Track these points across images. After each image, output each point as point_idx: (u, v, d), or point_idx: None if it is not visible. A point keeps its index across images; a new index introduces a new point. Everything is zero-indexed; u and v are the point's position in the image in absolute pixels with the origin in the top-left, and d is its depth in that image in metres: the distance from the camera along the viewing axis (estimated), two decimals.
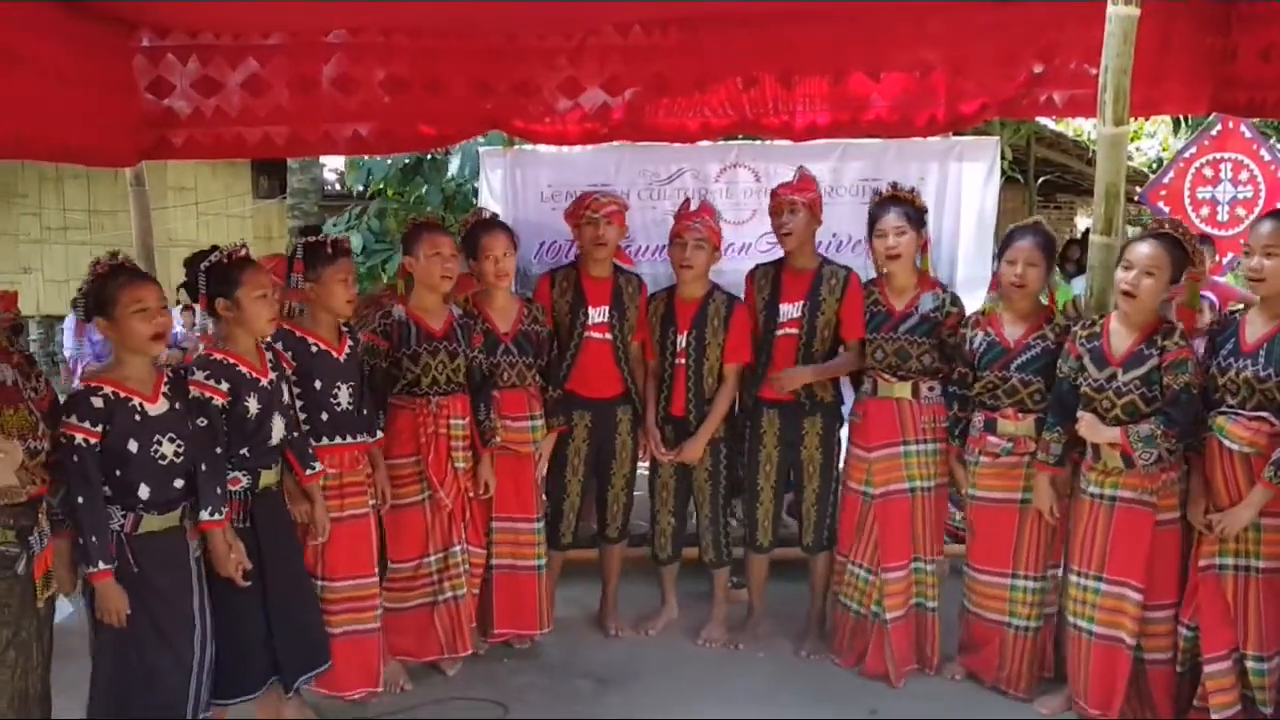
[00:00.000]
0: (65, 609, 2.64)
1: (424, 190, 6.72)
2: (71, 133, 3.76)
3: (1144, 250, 3.07)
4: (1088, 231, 14.72)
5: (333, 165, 9.71)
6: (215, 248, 2.96)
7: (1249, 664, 3.01)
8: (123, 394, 2.64)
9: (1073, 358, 3.25)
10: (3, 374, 2.42)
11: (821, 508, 3.86)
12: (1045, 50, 4.32)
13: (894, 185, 3.78)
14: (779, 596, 4.11)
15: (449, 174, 6.61)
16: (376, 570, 3.42)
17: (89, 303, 2.68)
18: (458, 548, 3.59)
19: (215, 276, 2.91)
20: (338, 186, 11.01)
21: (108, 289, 2.64)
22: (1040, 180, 11.62)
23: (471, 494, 3.65)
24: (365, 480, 3.38)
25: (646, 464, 4.12)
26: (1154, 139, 17.83)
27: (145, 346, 2.66)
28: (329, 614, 3.26)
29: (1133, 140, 16.14)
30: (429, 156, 6.65)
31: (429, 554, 3.58)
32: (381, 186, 7.29)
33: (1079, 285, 10.43)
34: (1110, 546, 3.19)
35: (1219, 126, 5.51)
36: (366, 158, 6.73)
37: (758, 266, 4.02)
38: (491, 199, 4.61)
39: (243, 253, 2.97)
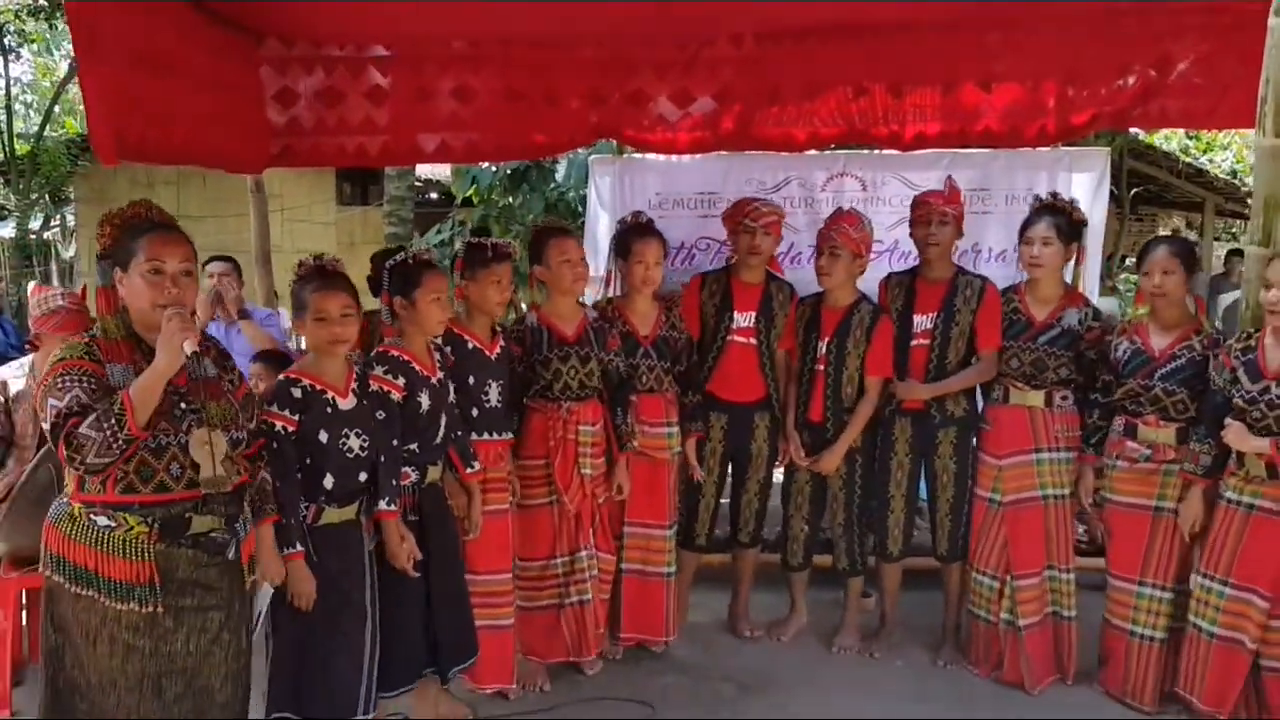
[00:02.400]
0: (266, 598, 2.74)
1: (525, 198, 6.81)
2: (207, 138, 3.90)
3: None
4: None
5: (420, 173, 9.89)
6: (401, 248, 3.12)
7: None
8: (318, 387, 2.78)
9: (1227, 370, 3.23)
10: (205, 368, 2.47)
11: (956, 517, 3.86)
12: (1159, 61, 4.29)
13: (1053, 195, 3.79)
14: (908, 605, 4.12)
15: (555, 182, 6.73)
16: (512, 566, 3.50)
17: (294, 303, 2.85)
18: (584, 552, 3.63)
19: (397, 276, 3.06)
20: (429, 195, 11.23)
21: (303, 293, 2.80)
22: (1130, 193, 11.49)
23: (602, 498, 3.69)
24: (505, 477, 3.48)
25: (782, 470, 4.15)
26: (1228, 151, 17.49)
27: (324, 348, 2.81)
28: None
29: (1205, 152, 15.82)
30: (537, 164, 6.74)
31: (556, 556, 3.64)
32: (471, 193, 7.41)
33: None
34: (1241, 552, 3.20)
35: None
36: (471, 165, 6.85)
37: (891, 275, 4.05)
38: (600, 206, 4.69)
39: (425, 256, 3.12)
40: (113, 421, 2.20)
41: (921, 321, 3.82)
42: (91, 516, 2.35)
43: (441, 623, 3.12)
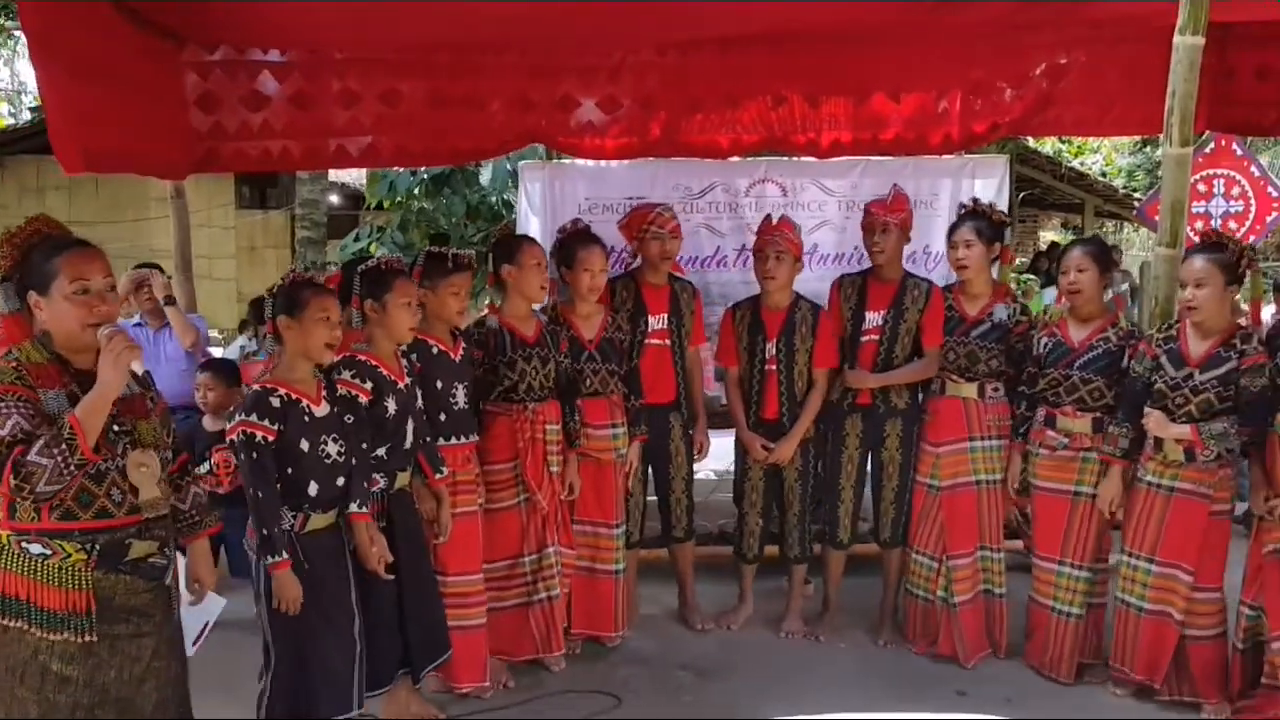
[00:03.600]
0: (215, 608, 2.72)
1: (445, 201, 6.79)
2: (134, 144, 3.85)
3: (1193, 265, 3.31)
4: (1053, 244, 15.10)
5: (331, 177, 9.76)
6: (369, 254, 3.13)
7: None
8: (294, 396, 2.78)
9: (1148, 358, 3.47)
10: (130, 387, 2.39)
11: (899, 504, 4.06)
12: (1052, 72, 4.62)
13: (975, 200, 4.04)
14: (846, 589, 4.29)
15: (478, 186, 6.74)
16: (482, 567, 3.54)
17: (278, 301, 2.78)
18: (551, 549, 3.69)
19: (369, 280, 3.08)
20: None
21: (302, 293, 2.78)
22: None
23: (564, 496, 3.77)
24: (474, 479, 3.51)
25: (700, 464, 4.26)
26: (1098, 154, 18.51)
27: (321, 353, 2.81)
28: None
29: (1076, 155, 16.72)
30: (460, 168, 6.74)
31: (524, 555, 3.69)
32: (383, 200, 7.36)
33: (1049, 295, 10.75)
34: (1165, 532, 3.43)
35: (1212, 144, 5.88)
36: (390, 170, 6.81)
37: (844, 276, 4.21)
38: (531, 211, 4.76)
39: (397, 263, 3.16)
40: (63, 447, 2.13)
41: (872, 319, 4.02)
42: (23, 545, 2.24)
43: (413, 624, 3.17)
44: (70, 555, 2.26)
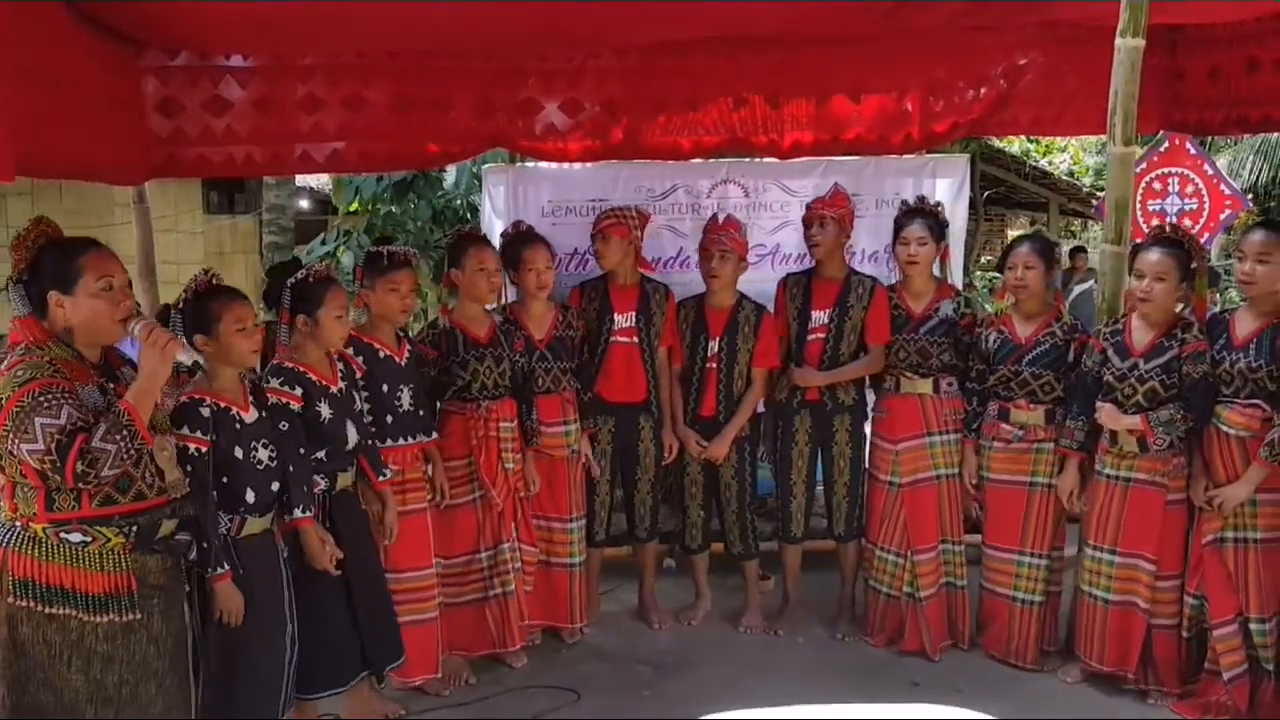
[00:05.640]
0: None
1: (411, 205, 6.80)
2: (84, 149, 3.81)
3: (1152, 258, 3.40)
4: None
5: (299, 182, 9.71)
6: (296, 262, 3.11)
7: (1251, 626, 3.36)
8: (223, 404, 2.78)
9: (1096, 351, 3.56)
10: (131, 376, 2.51)
11: (852, 499, 4.13)
12: (1010, 73, 4.67)
13: (921, 199, 4.12)
14: (804, 584, 4.36)
15: (442, 190, 6.74)
16: (434, 562, 3.59)
17: (186, 320, 2.76)
18: (506, 545, 3.76)
19: (299, 295, 3.08)
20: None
21: (211, 308, 2.75)
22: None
23: (523, 494, 3.82)
24: (423, 477, 3.57)
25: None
26: (1065, 153, 18.70)
27: (247, 360, 2.82)
28: (394, 604, 3.41)
29: (1044, 155, 16.89)
30: (425, 172, 6.74)
31: (480, 551, 3.76)
32: (353, 206, 7.35)
33: None
34: (1125, 523, 3.52)
35: (1167, 143, 5.97)
36: (356, 175, 6.78)
37: (789, 275, 4.29)
38: (495, 215, 4.76)
39: (327, 273, 3.15)
40: (124, 432, 2.28)
41: (818, 317, 4.09)
42: (62, 535, 2.36)
43: (368, 625, 3.19)
44: (110, 540, 2.39)
